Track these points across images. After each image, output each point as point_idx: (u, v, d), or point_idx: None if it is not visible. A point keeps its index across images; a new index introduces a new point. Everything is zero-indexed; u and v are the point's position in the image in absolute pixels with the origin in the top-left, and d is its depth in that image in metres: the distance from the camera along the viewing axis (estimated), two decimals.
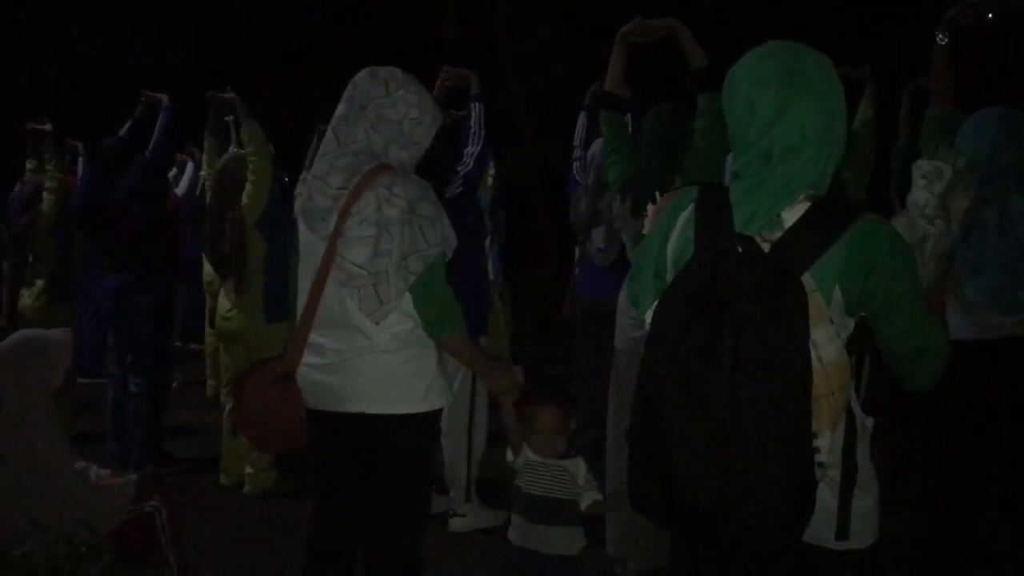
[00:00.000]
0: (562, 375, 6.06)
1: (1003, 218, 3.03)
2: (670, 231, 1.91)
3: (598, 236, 4.47)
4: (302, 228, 2.65)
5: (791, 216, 1.77)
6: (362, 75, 2.64)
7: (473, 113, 4.18)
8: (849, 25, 10.70)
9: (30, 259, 5.73)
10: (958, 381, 3.03)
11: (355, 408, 2.55)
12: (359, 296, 2.48)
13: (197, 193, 6.39)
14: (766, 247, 1.74)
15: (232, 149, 5.14)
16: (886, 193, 4.79)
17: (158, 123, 5.13)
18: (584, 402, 4.43)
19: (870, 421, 1.84)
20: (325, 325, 2.56)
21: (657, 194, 3.14)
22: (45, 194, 5.61)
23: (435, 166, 2.88)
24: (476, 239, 4.31)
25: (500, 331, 4.88)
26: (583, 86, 5.18)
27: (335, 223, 2.51)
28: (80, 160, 6.13)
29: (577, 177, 4.88)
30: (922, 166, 2.42)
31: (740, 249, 1.71)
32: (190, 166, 7.00)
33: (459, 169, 4.08)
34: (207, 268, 5.75)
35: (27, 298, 5.68)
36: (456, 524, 4.26)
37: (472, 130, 4.15)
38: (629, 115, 3.77)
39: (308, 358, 2.59)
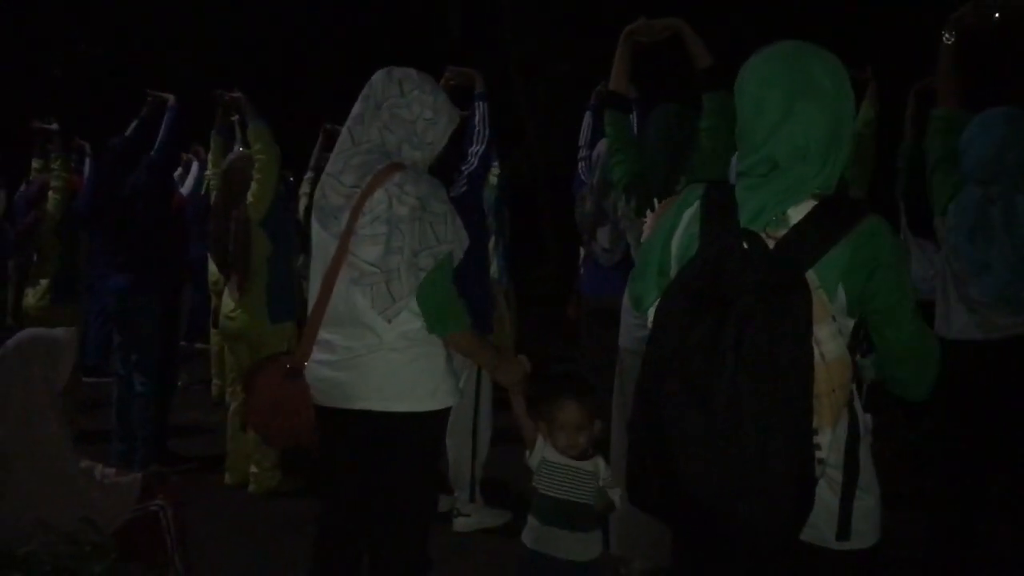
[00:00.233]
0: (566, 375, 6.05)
1: (1009, 218, 3.03)
2: (675, 228, 1.91)
3: (603, 236, 4.47)
4: (315, 226, 2.66)
5: (797, 214, 1.77)
6: (378, 75, 2.65)
7: (477, 112, 4.18)
8: (852, 24, 10.68)
9: (35, 258, 5.74)
10: (964, 381, 3.05)
11: (362, 405, 2.56)
12: (372, 293, 2.49)
13: (202, 192, 6.40)
14: (771, 244, 1.74)
15: (237, 148, 5.15)
16: (890, 193, 4.78)
17: (164, 123, 5.15)
18: None
19: (870, 419, 1.84)
20: (335, 322, 2.57)
21: (656, 201, 3.15)
22: (50, 193, 5.62)
23: (440, 165, 2.88)
24: (480, 239, 4.31)
25: (506, 331, 4.88)
26: (587, 86, 5.17)
27: (347, 221, 2.52)
28: (86, 160, 6.14)
29: (582, 177, 4.88)
30: None
31: (745, 245, 1.71)
32: (195, 165, 7.02)
33: (464, 168, 4.08)
34: (212, 267, 5.77)
35: (31, 297, 5.69)
36: (460, 524, 4.26)
37: (477, 129, 4.15)
38: (634, 115, 3.77)
39: (318, 355, 2.60)
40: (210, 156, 5.62)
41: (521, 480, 2.81)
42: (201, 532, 3.58)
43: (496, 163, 4.73)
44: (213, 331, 6.26)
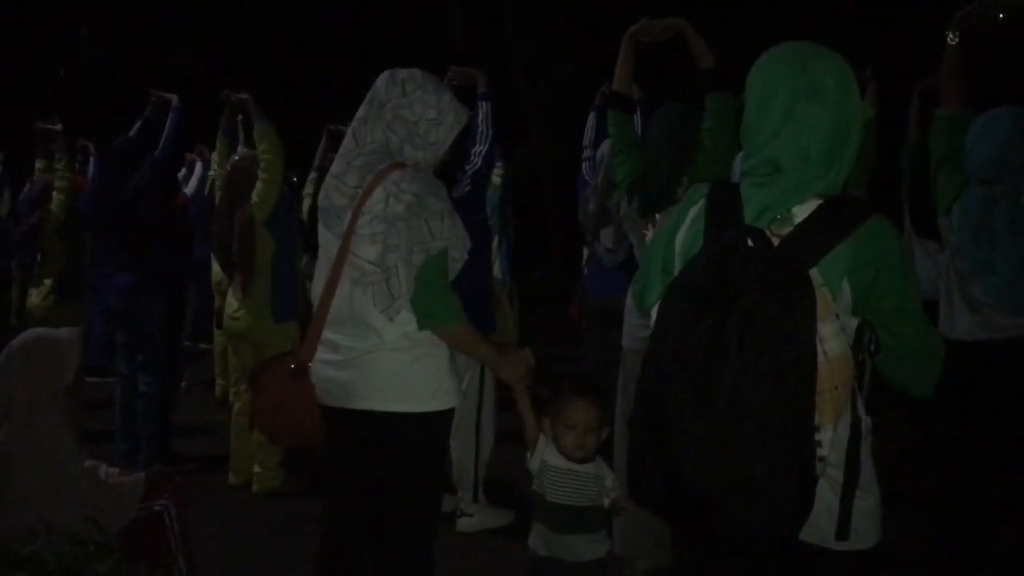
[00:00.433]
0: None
1: (1013, 218, 3.02)
2: (679, 225, 1.91)
3: (607, 236, 4.46)
4: (320, 226, 2.68)
5: (802, 212, 1.77)
6: (382, 76, 2.66)
7: (480, 112, 4.18)
8: (852, 24, 10.67)
9: (39, 258, 5.75)
10: (967, 381, 3.05)
11: (364, 405, 2.56)
12: (373, 293, 2.50)
13: (206, 192, 6.41)
14: (775, 241, 1.73)
15: (241, 149, 5.15)
16: (891, 193, 4.78)
17: (167, 123, 5.16)
18: None
19: (871, 420, 1.84)
20: (338, 322, 2.58)
21: (658, 216, 3.15)
22: (54, 193, 5.63)
23: (443, 165, 2.88)
24: (483, 238, 4.31)
25: (509, 331, 4.89)
26: (591, 86, 5.17)
27: (349, 221, 2.54)
28: (90, 160, 6.16)
29: (586, 177, 4.87)
30: None
31: (750, 242, 1.70)
32: (199, 166, 7.03)
33: (467, 168, 4.08)
34: (216, 267, 5.77)
35: (35, 297, 5.70)
36: (464, 524, 4.26)
37: (480, 129, 4.15)
38: (638, 115, 3.77)
39: (322, 354, 2.60)
40: (215, 156, 5.63)
41: (525, 481, 2.79)
42: (205, 532, 3.59)
43: (500, 163, 4.73)
44: (217, 331, 6.27)
